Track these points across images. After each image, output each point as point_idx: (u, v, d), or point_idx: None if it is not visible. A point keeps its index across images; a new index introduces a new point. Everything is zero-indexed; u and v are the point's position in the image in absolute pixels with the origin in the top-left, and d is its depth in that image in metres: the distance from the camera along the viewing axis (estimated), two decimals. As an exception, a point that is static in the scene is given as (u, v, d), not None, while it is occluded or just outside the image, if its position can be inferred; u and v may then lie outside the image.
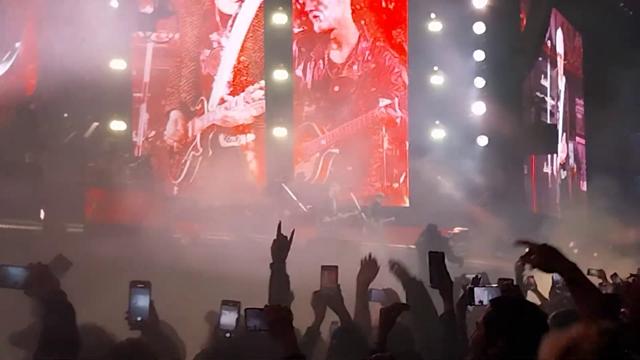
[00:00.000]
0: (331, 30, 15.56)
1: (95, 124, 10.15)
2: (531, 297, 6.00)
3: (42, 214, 8.22)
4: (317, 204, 12.28)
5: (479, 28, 16.01)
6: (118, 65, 10.69)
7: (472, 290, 3.50)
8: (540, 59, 18.17)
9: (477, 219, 14.05)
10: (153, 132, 13.00)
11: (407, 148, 16.05)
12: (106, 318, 3.57)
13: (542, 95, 18.48)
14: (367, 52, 15.85)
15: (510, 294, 3.34)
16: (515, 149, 16.37)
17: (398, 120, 16.02)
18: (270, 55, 14.25)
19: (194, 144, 13.17)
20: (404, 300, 3.82)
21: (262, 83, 14.17)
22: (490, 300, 2.84)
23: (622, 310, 3.46)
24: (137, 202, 9.52)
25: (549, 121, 18.56)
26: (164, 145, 12.89)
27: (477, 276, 4.12)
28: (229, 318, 3.12)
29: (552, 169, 19.26)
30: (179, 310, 4.74)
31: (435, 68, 15.74)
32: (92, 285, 5.87)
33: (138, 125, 12.61)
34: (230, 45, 13.73)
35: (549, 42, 18.84)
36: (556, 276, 6.85)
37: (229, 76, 13.78)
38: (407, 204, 15.70)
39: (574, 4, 17.67)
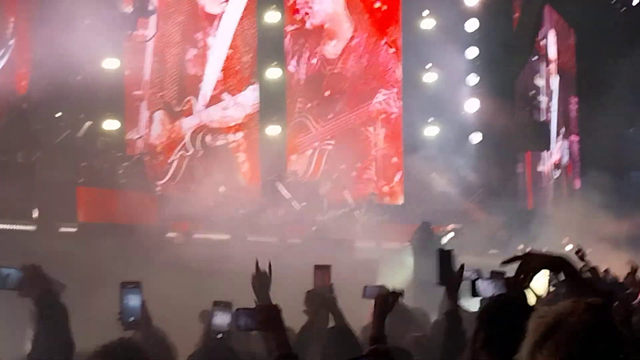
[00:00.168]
0: (323, 25, 15.54)
1: (89, 123, 10.11)
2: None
3: (35, 213, 8.19)
4: (310, 202, 12.27)
5: (472, 25, 16.03)
6: (111, 64, 10.66)
7: (474, 283, 3.50)
8: (533, 56, 18.20)
9: (471, 216, 14.08)
10: (145, 131, 12.94)
11: (401, 145, 16.05)
12: (100, 318, 3.56)
13: (535, 93, 18.52)
14: (361, 48, 15.83)
15: (513, 289, 3.35)
16: (509, 146, 16.41)
17: (393, 116, 16.00)
18: (262, 53, 14.22)
19: (182, 143, 13.11)
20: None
21: (254, 82, 14.14)
22: (491, 298, 2.85)
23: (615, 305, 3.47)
24: (131, 201, 9.50)
25: (542, 119, 18.60)
26: (149, 145, 12.82)
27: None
28: (220, 319, 3.12)
29: (546, 167, 19.31)
30: (172, 310, 4.73)
31: (429, 65, 15.75)
32: (85, 285, 5.85)
33: (139, 124, 12.57)
34: (218, 45, 13.67)
35: (542, 40, 18.87)
36: (551, 273, 6.86)
37: (218, 76, 13.72)
38: (401, 202, 15.70)
39: (568, 1, 17.71)
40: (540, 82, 19.10)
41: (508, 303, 2.63)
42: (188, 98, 13.27)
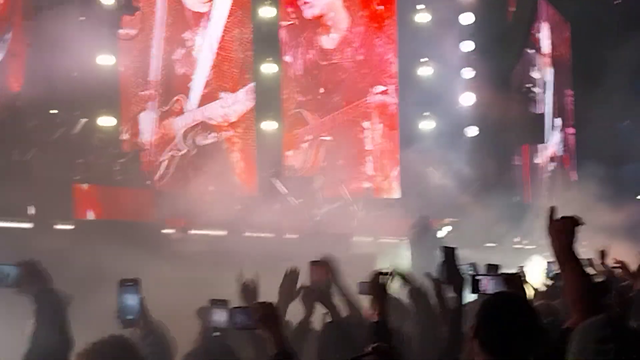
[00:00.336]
0: (320, 16, 15.51)
1: (84, 120, 10.09)
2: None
3: (31, 211, 8.18)
4: (306, 198, 12.28)
5: (467, 19, 16.03)
6: (106, 60, 10.63)
7: (474, 279, 3.51)
8: (528, 49, 18.20)
9: (467, 210, 14.10)
10: (135, 130, 12.90)
11: (397, 138, 16.06)
12: (98, 316, 3.57)
13: (530, 86, 18.54)
14: (358, 41, 15.81)
15: (511, 286, 3.36)
16: (505, 139, 16.43)
17: (390, 110, 16.00)
18: (258, 48, 14.19)
19: (174, 143, 13.06)
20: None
21: (248, 79, 14.11)
22: (490, 295, 2.86)
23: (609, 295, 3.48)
24: (127, 198, 9.49)
25: (537, 112, 18.62)
26: (140, 144, 12.76)
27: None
28: (217, 317, 3.13)
29: (542, 160, 19.34)
30: (170, 307, 4.74)
31: (424, 59, 15.75)
32: (83, 282, 5.85)
33: (128, 123, 12.52)
34: (207, 44, 13.62)
35: (537, 33, 18.88)
36: (548, 266, 6.88)
37: (208, 75, 13.68)
38: (398, 196, 15.72)
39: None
40: (535, 75, 19.11)
41: (506, 300, 2.64)
42: (177, 97, 13.22)
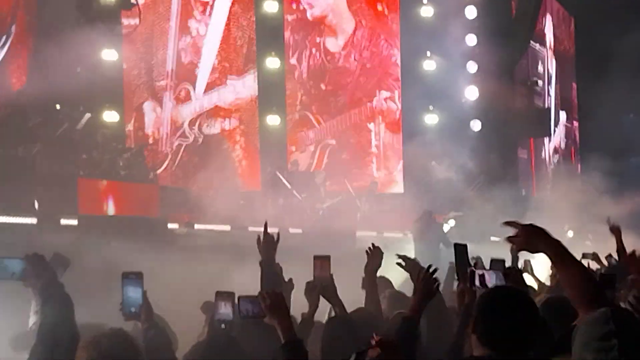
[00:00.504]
0: (324, 17, 15.48)
1: (88, 115, 10.09)
2: (528, 280, 6.00)
3: (36, 207, 8.20)
4: (310, 192, 12.28)
5: (471, 12, 15.98)
6: (109, 55, 10.63)
7: (473, 272, 3.50)
8: (532, 43, 18.15)
9: (471, 204, 14.08)
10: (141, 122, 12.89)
11: (401, 133, 16.05)
12: (102, 310, 3.57)
13: (535, 79, 18.50)
14: (364, 41, 15.79)
15: (510, 278, 3.35)
16: (509, 132, 16.39)
17: (397, 113, 16.00)
18: (261, 43, 14.18)
19: (180, 132, 13.07)
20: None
21: (252, 69, 14.10)
22: (489, 289, 2.85)
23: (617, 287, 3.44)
24: (132, 193, 9.50)
25: (542, 105, 18.58)
26: (145, 136, 12.77)
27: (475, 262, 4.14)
28: (224, 309, 3.13)
29: (547, 153, 19.31)
30: (173, 300, 4.75)
31: (428, 53, 15.71)
32: (87, 277, 5.86)
33: (133, 115, 12.52)
34: (212, 33, 13.61)
35: (541, 27, 18.82)
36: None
37: (213, 63, 13.67)
38: (402, 190, 15.72)
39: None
40: (539, 68, 19.06)
41: (505, 294, 2.62)
42: (184, 86, 13.23)
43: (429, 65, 15.80)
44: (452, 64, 15.68)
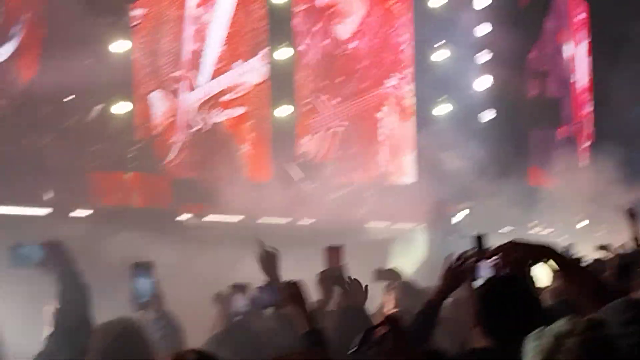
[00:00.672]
0: (334, 4, 15.40)
1: (98, 106, 10.11)
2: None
3: (47, 198, 8.22)
4: (321, 183, 12.26)
5: (483, 1, 15.86)
6: (120, 46, 10.62)
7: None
8: (544, 32, 18.01)
9: (483, 194, 14.02)
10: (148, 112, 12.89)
11: (413, 123, 15.98)
12: (114, 300, 3.57)
13: (547, 69, 18.36)
14: (374, 27, 15.71)
15: (512, 269, 3.30)
16: (521, 123, 16.30)
17: (408, 98, 15.92)
18: (271, 34, 14.13)
19: (187, 120, 13.06)
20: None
21: (259, 56, 14.05)
22: (488, 279, 2.81)
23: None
24: (143, 184, 9.51)
25: (554, 95, 18.44)
26: (153, 126, 12.75)
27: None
28: (239, 301, 3.12)
29: (557, 143, 19.19)
30: (185, 292, 4.74)
31: (440, 43, 15.61)
32: (99, 268, 5.87)
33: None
34: (218, 21, 13.56)
35: (553, 15, 18.66)
36: (566, 249, 6.81)
37: (219, 51, 13.64)
38: (413, 180, 15.66)
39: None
40: (551, 58, 18.92)
41: (505, 284, 2.58)
42: (189, 75, 13.21)
43: (441, 54, 15.70)
44: (464, 53, 15.58)
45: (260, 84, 14.11)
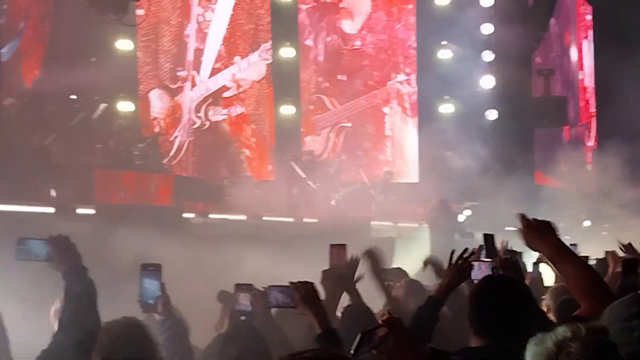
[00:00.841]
0: (340, 1, 15.39)
1: (103, 105, 10.13)
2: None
3: (52, 196, 8.25)
4: (325, 182, 12.27)
5: (487, 0, 15.84)
6: (124, 45, 10.64)
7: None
8: (549, 31, 17.97)
9: (487, 193, 14.01)
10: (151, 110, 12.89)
11: (417, 122, 15.98)
12: (120, 300, 3.58)
13: (551, 68, 18.32)
14: (380, 23, 15.70)
15: (507, 269, 3.32)
16: (525, 122, 16.27)
17: (410, 94, 15.92)
18: (276, 32, 14.13)
19: (187, 118, 13.08)
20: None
21: (258, 52, 14.04)
22: (482, 279, 2.83)
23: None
24: (147, 182, 9.53)
25: (558, 94, 18.41)
26: (153, 123, 12.76)
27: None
28: (243, 301, 3.12)
29: (562, 142, 19.16)
30: (190, 290, 4.75)
31: (444, 42, 15.60)
32: (105, 267, 5.90)
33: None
34: (218, 19, 13.57)
35: (558, 15, 18.62)
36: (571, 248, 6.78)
37: (219, 49, 13.65)
38: (417, 179, 15.67)
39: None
40: (556, 57, 18.88)
41: (497, 285, 2.59)
42: (190, 73, 13.22)
43: (445, 54, 15.69)
44: (468, 52, 15.57)
45: (260, 80, 14.11)
